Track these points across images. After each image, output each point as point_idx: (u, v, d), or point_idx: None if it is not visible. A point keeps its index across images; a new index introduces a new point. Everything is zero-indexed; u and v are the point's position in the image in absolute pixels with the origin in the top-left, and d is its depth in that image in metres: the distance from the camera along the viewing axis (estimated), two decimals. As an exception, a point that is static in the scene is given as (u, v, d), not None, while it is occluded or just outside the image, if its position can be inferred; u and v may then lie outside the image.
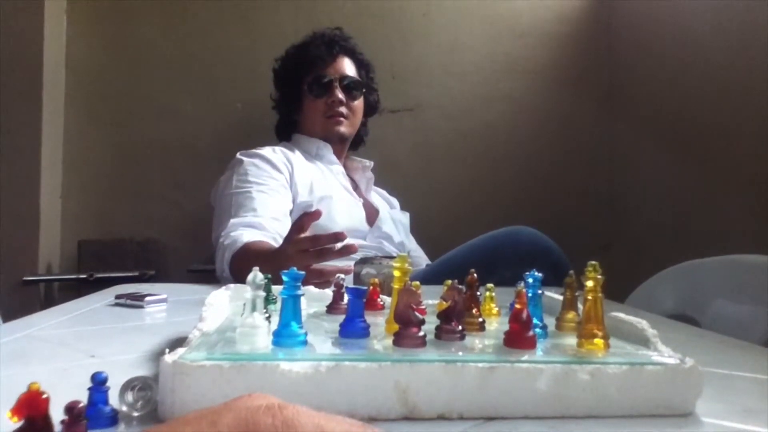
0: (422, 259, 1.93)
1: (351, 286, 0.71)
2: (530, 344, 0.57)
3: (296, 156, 1.82)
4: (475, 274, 0.70)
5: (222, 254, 1.48)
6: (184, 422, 0.27)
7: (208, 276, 2.01)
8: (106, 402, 0.45)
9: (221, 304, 0.73)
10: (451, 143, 2.46)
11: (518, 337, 0.57)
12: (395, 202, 2.09)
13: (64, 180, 2.34)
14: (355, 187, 1.95)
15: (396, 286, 0.63)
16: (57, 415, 0.36)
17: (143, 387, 0.47)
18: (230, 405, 0.28)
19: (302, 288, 0.57)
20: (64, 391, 0.38)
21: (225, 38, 2.41)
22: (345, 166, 1.96)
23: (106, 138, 2.38)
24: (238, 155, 1.79)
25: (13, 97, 2.14)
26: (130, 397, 0.47)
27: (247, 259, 1.39)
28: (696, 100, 2.05)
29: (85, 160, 2.36)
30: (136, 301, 1.03)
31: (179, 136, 2.39)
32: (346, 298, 0.74)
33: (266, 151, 1.78)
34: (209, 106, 2.40)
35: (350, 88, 1.90)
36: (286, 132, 2.01)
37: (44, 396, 0.35)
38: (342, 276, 0.82)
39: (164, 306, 1.04)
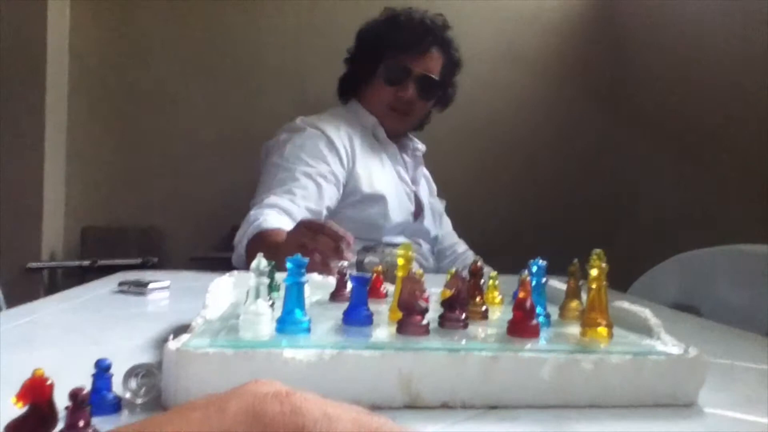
0: (459, 245, 1.88)
1: (354, 274, 0.71)
2: (533, 333, 0.57)
3: (358, 140, 1.70)
4: (479, 263, 0.70)
5: (246, 228, 1.42)
6: (191, 408, 0.27)
7: (210, 263, 2.01)
8: (109, 388, 0.45)
9: (224, 292, 0.73)
10: (453, 132, 2.45)
11: (522, 326, 0.57)
12: (434, 187, 1.98)
13: (67, 168, 2.34)
14: (406, 169, 1.83)
15: (399, 274, 0.63)
16: (61, 401, 0.36)
17: (147, 374, 0.47)
18: (237, 391, 0.28)
19: (306, 275, 0.56)
20: (68, 378, 0.38)
21: (229, 28, 2.40)
22: (399, 144, 1.84)
23: (109, 126, 2.38)
24: (299, 121, 1.68)
25: (17, 85, 2.13)
26: (133, 383, 0.47)
27: (258, 243, 1.37)
28: (696, 94, 2.05)
29: (89, 148, 2.36)
30: (139, 288, 1.03)
31: (182, 125, 2.38)
32: (349, 285, 0.74)
33: (331, 130, 1.65)
34: (212, 95, 2.39)
35: (427, 87, 1.73)
36: (348, 91, 1.85)
37: (48, 382, 0.35)
38: (345, 263, 0.82)
39: (167, 293, 1.04)
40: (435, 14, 1.79)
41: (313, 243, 1.06)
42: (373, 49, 1.75)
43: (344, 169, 1.63)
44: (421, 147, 1.88)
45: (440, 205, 1.91)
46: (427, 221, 1.78)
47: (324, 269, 0.99)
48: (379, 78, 1.73)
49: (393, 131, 1.79)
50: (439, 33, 1.75)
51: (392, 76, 1.71)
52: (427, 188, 1.90)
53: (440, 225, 1.88)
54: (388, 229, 1.64)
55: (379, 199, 1.64)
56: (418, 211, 1.78)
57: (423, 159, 1.90)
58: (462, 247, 1.88)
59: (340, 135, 1.66)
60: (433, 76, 1.74)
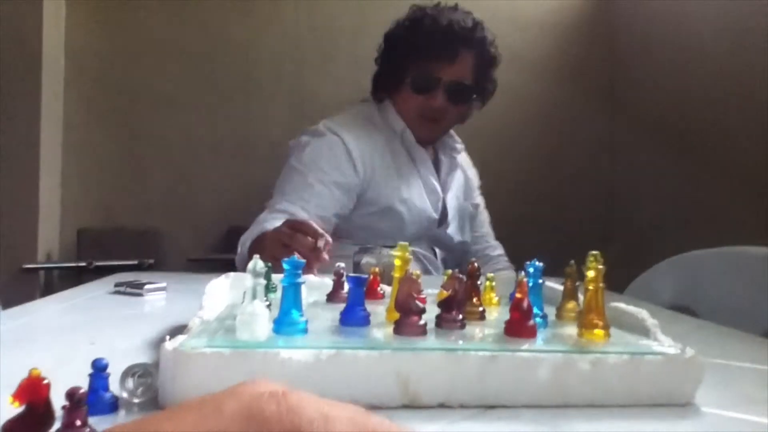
0: (493, 248, 1.81)
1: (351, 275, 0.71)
2: (531, 333, 0.57)
3: (383, 147, 1.65)
4: (476, 264, 0.70)
5: (253, 229, 1.41)
6: (186, 408, 0.27)
7: (207, 265, 2.01)
8: (106, 388, 0.45)
9: (221, 293, 0.72)
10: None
11: (519, 326, 0.57)
12: (475, 181, 1.88)
13: (63, 168, 2.34)
14: (437, 174, 1.75)
15: (396, 275, 0.63)
16: (58, 400, 0.36)
17: (144, 374, 0.47)
18: (234, 391, 0.28)
19: (303, 276, 0.57)
20: (65, 377, 0.38)
21: (225, 28, 2.40)
22: (438, 143, 1.78)
23: (105, 126, 2.37)
24: (321, 125, 1.63)
25: (12, 85, 2.13)
26: (130, 383, 0.47)
27: (258, 244, 1.37)
28: (695, 94, 2.06)
29: (85, 149, 2.36)
30: (135, 289, 1.03)
31: (179, 126, 2.38)
32: (346, 287, 0.74)
33: (351, 137, 1.60)
34: (209, 96, 2.39)
35: (458, 93, 1.64)
36: (382, 89, 1.75)
37: (45, 382, 0.35)
38: (342, 264, 0.82)
39: (164, 294, 1.04)
40: (463, 13, 1.68)
41: (292, 242, 1.03)
42: (399, 55, 1.68)
43: (359, 179, 1.59)
44: (459, 146, 1.81)
45: (472, 209, 1.82)
46: (452, 228, 1.72)
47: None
48: (408, 84, 1.66)
49: (423, 139, 1.72)
50: (468, 35, 1.64)
51: (420, 85, 1.64)
52: (458, 192, 1.81)
53: (470, 229, 1.80)
54: (404, 238, 1.60)
55: (396, 212, 1.61)
56: (443, 219, 1.72)
57: (458, 166, 1.81)
58: (496, 250, 1.81)
59: (361, 143, 1.61)
60: (465, 81, 1.65)
